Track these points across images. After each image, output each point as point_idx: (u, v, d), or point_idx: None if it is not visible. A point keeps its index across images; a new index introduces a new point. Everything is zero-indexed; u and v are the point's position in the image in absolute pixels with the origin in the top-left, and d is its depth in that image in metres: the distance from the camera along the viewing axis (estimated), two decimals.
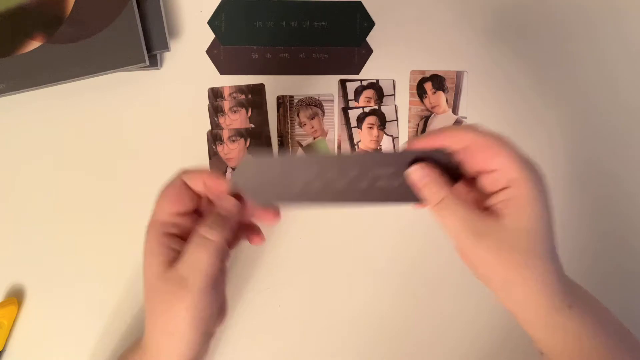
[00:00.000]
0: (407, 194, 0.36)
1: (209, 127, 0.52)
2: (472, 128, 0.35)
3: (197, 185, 0.38)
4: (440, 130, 0.35)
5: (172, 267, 0.35)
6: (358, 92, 0.53)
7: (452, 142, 0.35)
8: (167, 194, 0.37)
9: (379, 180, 0.36)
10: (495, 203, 0.33)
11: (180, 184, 0.37)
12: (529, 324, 0.35)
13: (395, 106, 0.53)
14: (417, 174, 0.35)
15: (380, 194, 0.36)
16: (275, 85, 0.52)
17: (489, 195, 0.34)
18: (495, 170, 0.34)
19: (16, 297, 0.51)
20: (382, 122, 0.53)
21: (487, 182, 0.34)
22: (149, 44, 0.50)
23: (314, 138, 0.53)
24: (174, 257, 0.36)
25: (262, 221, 0.40)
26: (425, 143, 0.36)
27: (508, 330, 0.51)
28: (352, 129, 0.53)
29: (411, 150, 0.36)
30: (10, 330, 0.51)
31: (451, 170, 0.35)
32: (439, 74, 0.53)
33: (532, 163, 0.34)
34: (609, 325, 0.35)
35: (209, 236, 0.35)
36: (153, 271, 0.36)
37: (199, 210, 0.39)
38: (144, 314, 0.37)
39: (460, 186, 0.36)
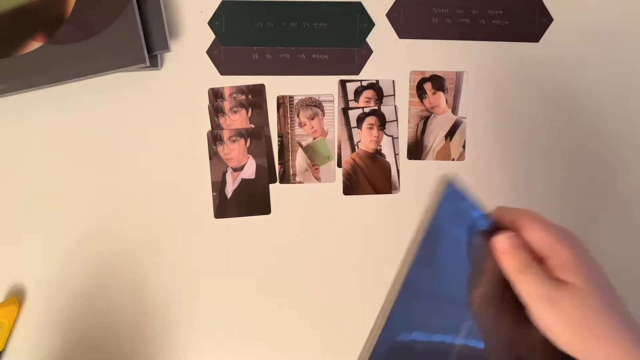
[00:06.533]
0: None
1: (209, 127, 0.52)
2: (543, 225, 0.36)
3: None
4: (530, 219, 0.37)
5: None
6: (358, 93, 0.53)
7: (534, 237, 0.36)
8: None
9: None
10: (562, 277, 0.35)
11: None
12: None
13: (395, 106, 0.53)
14: (505, 243, 0.36)
15: None
16: (275, 86, 0.52)
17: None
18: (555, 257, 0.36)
19: (16, 297, 0.51)
20: (382, 122, 0.53)
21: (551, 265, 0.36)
22: (149, 45, 0.50)
23: (314, 138, 0.53)
24: None
25: None
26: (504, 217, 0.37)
27: None
28: (352, 129, 0.53)
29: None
30: (11, 330, 0.51)
31: None
32: (439, 74, 0.53)
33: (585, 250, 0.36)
34: None
35: None
36: None
37: None
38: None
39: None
